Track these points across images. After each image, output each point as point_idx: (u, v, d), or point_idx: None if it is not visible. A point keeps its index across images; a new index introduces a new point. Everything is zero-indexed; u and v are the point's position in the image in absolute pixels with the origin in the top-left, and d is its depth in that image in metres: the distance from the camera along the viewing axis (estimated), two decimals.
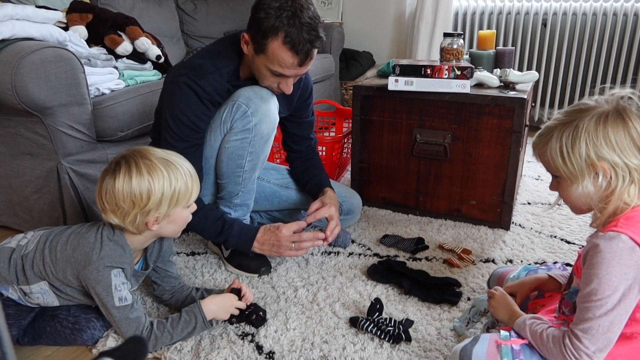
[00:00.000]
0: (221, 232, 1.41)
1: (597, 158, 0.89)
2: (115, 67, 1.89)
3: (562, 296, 1.04)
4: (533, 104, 2.98)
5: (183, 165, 1.13)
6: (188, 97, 1.34)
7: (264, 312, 1.28)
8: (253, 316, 1.24)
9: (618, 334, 0.88)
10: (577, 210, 0.99)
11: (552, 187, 1.01)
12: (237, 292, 1.26)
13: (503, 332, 0.99)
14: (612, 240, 0.86)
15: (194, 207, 1.19)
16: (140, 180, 1.06)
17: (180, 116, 1.35)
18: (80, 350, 1.20)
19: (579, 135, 0.90)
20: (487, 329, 1.15)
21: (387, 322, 1.22)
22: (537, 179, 2.31)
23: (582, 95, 2.95)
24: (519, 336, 0.98)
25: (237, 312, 1.23)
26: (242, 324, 1.27)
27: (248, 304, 1.26)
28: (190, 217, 1.20)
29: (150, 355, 1.16)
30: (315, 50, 1.30)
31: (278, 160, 2.24)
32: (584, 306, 0.89)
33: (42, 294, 1.16)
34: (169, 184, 1.09)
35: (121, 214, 1.09)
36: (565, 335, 0.90)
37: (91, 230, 1.14)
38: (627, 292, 0.85)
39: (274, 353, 1.17)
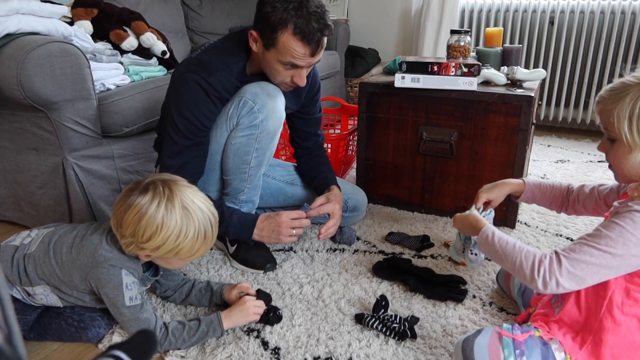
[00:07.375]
0: (221, 223, 1.37)
1: None
2: (121, 63, 1.88)
3: None
4: (540, 102, 2.97)
5: (200, 223, 1.06)
6: (196, 94, 1.34)
7: (281, 311, 1.28)
8: (270, 314, 1.24)
9: (593, 283, 0.88)
10: (623, 177, 0.95)
11: (601, 147, 0.97)
12: (262, 295, 1.26)
13: (505, 325, 1.00)
14: None
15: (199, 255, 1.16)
16: (152, 219, 1.01)
17: (186, 113, 1.35)
18: (86, 345, 1.20)
19: None
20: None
21: (393, 319, 1.22)
22: (543, 178, 2.30)
23: (589, 93, 2.94)
24: (522, 331, 0.98)
25: (260, 311, 1.22)
26: None
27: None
28: (185, 264, 1.17)
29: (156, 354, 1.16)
30: (325, 39, 1.30)
31: (284, 157, 2.23)
32: (586, 243, 0.88)
33: (45, 296, 1.16)
34: (174, 238, 1.03)
35: (121, 233, 1.06)
36: (546, 255, 0.90)
37: (96, 233, 1.13)
38: (631, 260, 0.85)
39: (279, 349, 1.16)
